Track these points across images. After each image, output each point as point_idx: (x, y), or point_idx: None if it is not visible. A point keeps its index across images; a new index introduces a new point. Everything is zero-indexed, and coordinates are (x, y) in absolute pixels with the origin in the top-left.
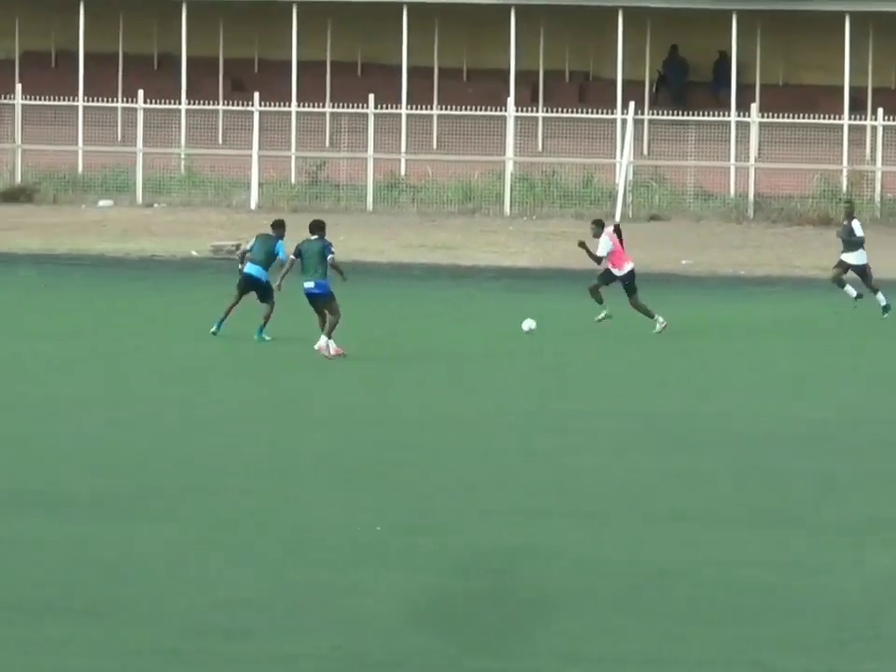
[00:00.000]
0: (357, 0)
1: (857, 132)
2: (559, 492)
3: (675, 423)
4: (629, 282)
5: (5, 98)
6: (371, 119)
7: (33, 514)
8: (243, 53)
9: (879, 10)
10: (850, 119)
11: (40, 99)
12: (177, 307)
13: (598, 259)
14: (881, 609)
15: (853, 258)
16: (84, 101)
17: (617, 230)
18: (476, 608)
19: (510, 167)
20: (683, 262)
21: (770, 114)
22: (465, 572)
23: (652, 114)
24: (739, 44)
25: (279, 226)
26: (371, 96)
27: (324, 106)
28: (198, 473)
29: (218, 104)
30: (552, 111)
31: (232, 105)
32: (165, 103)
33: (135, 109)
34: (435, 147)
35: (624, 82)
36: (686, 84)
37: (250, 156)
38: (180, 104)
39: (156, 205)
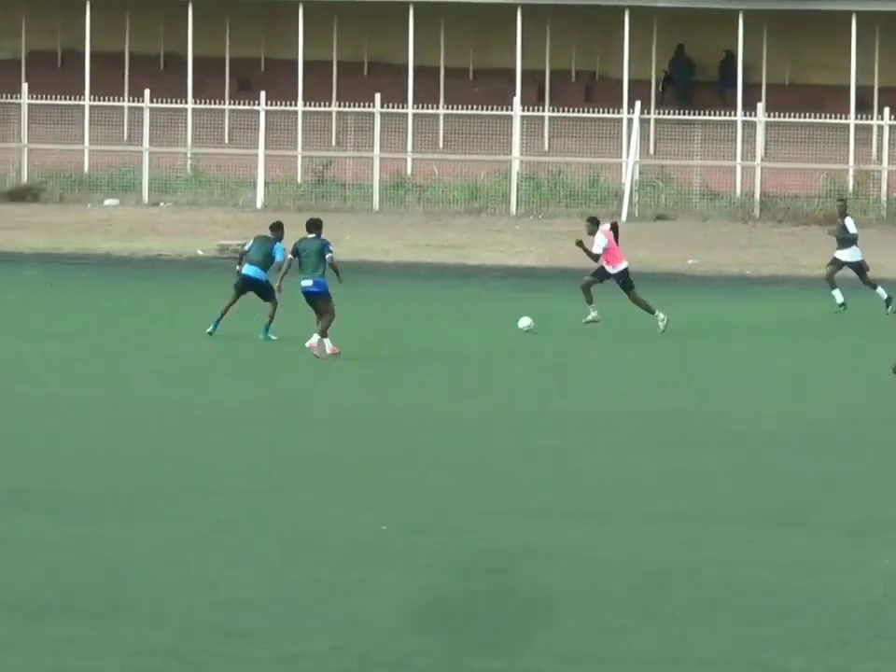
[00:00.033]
0: (363, 0)
1: (863, 131)
2: (559, 492)
3: (675, 423)
4: (623, 280)
5: (11, 97)
6: (378, 119)
7: (32, 514)
8: (249, 53)
9: (886, 10)
10: (857, 118)
11: (46, 98)
12: (183, 306)
13: (595, 257)
14: (881, 609)
15: (847, 254)
16: (90, 100)
17: (614, 227)
18: (476, 607)
19: (516, 166)
20: (689, 262)
21: (776, 113)
22: (465, 572)
23: (659, 113)
24: (746, 43)
25: (278, 228)
26: (378, 96)
27: (330, 106)
28: (198, 473)
29: (225, 103)
30: (558, 111)
31: (239, 104)
32: (171, 102)
33: (142, 108)
34: (441, 146)
35: (631, 82)
36: (692, 84)
37: (256, 155)
38: (186, 103)
39: (162, 205)
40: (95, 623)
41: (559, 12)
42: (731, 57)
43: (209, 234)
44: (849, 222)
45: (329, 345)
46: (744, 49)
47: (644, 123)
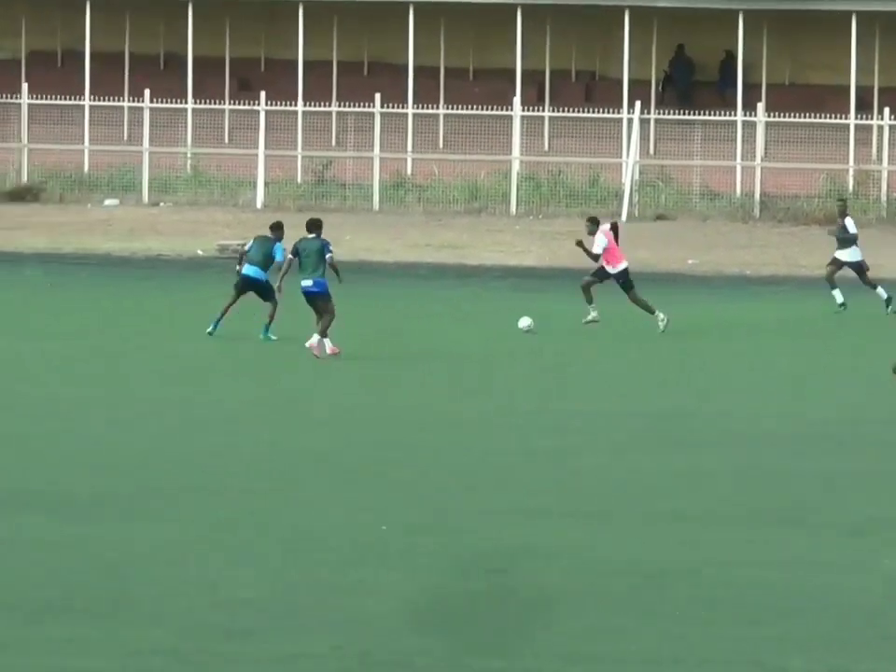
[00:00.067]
0: (363, 0)
1: (863, 131)
2: (559, 492)
3: (675, 423)
4: (623, 280)
5: (11, 97)
6: (378, 119)
7: (32, 514)
8: (249, 53)
9: (886, 10)
10: (857, 118)
11: (46, 98)
12: (183, 306)
13: (595, 257)
14: (882, 610)
15: (847, 254)
16: (90, 100)
17: (614, 227)
18: (476, 607)
19: (516, 166)
20: (689, 262)
21: (776, 113)
22: (465, 572)
23: (659, 113)
24: (746, 43)
25: (277, 228)
26: (378, 96)
27: (330, 106)
28: (198, 473)
29: (225, 103)
30: (558, 111)
31: (239, 104)
32: (171, 102)
33: (142, 109)
34: (441, 146)
35: (631, 82)
36: (692, 84)
37: (256, 155)
38: (186, 103)
39: (162, 205)
40: (95, 622)
41: (559, 12)
42: (731, 57)
43: (209, 234)
44: (849, 222)
45: (328, 345)
46: (744, 49)
47: (644, 123)
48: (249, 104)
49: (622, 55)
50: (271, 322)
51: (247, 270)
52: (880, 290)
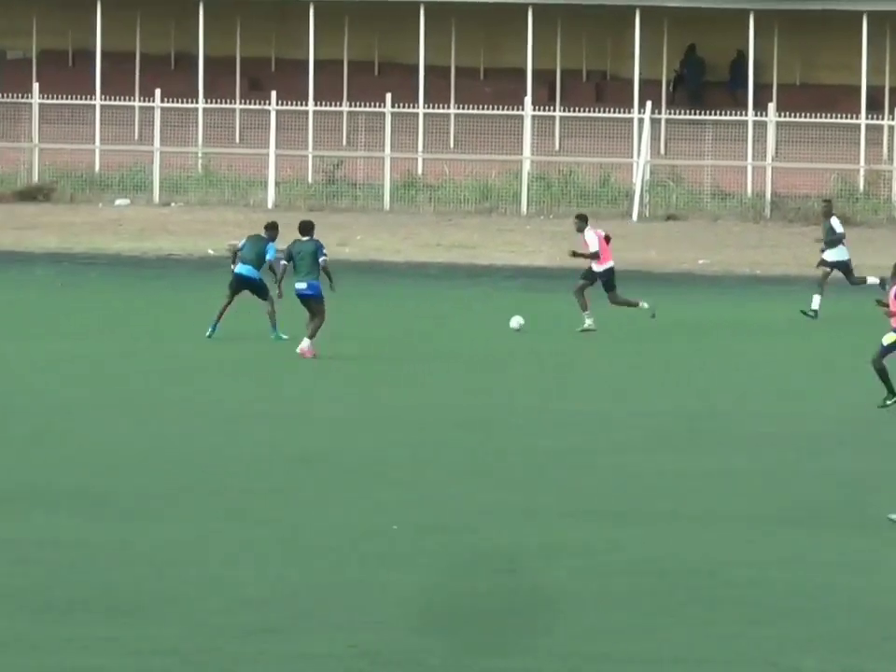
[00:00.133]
0: (374, 0)
1: (874, 131)
2: (559, 492)
3: (681, 423)
4: (607, 278)
5: (22, 97)
6: (389, 119)
7: (36, 514)
8: (260, 52)
9: None
10: (867, 118)
11: (57, 98)
12: (193, 306)
13: (594, 255)
14: (891, 609)
15: (833, 254)
16: (101, 100)
17: (607, 238)
18: (483, 607)
19: (527, 166)
20: (700, 262)
21: (787, 113)
22: (469, 572)
23: (670, 113)
24: (757, 43)
25: (272, 228)
26: (389, 95)
27: (341, 105)
28: (197, 473)
29: (236, 103)
30: (569, 110)
31: (250, 103)
32: (182, 102)
33: (153, 108)
34: (452, 146)
35: (642, 81)
36: (703, 83)
37: (267, 155)
38: (197, 103)
39: (173, 204)
40: (101, 622)
41: (570, 12)
42: (742, 57)
43: (220, 234)
44: (835, 222)
45: (306, 344)
46: (755, 48)
47: (655, 123)
48: (260, 103)
49: (632, 55)
50: (274, 321)
51: (240, 269)
52: (871, 279)
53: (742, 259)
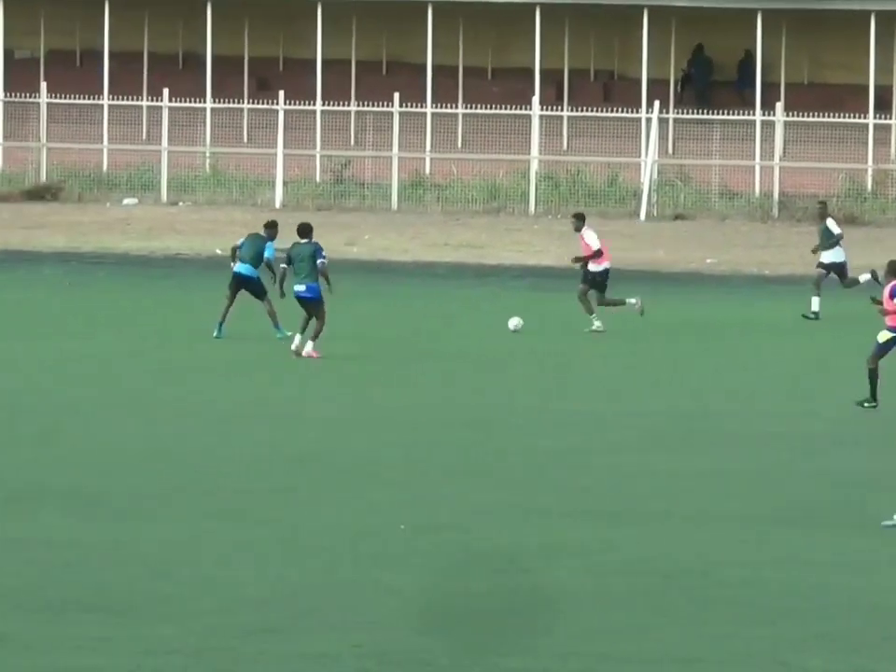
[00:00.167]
0: None
1: (882, 130)
2: (560, 492)
3: (689, 423)
4: (602, 279)
5: (30, 97)
6: (396, 118)
7: (40, 514)
8: (268, 52)
9: None
10: (875, 117)
11: (65, 97)
12: (201, 306)
13: (598, 252)
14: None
15: (830, 256)
16: (109, 99)
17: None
18: (486, 607)
19: (534, 166)
20: (708, 261)
21: (795, 113)
22: (470, 572)
23: (677, 113)
24: (764, 43)
25: (271, 226)
26: (396, 95)
27: (349, 105)
28: (192, 472)
29: (243, 102)
30: (576, 110)
31: (257, 103)
32: (190, 101)
33: (160, 108)
34: (460, 145)
35: (649, 81)
36: (711, 83)
37: (275, 154)
38: (205, 102)
39: (181, 204)
40: (108, 621)
41: (578, 12)
42: (749, 56)
43: (228, 234)
44: (831, 223)
45: (300, 342)
46: (762, 48)
47: (663, 123)
48: (268, 103)
49: (640, 55)
50: (274, 321)
51: (239, 268)
52: (863, 277)
53: (750, 258)
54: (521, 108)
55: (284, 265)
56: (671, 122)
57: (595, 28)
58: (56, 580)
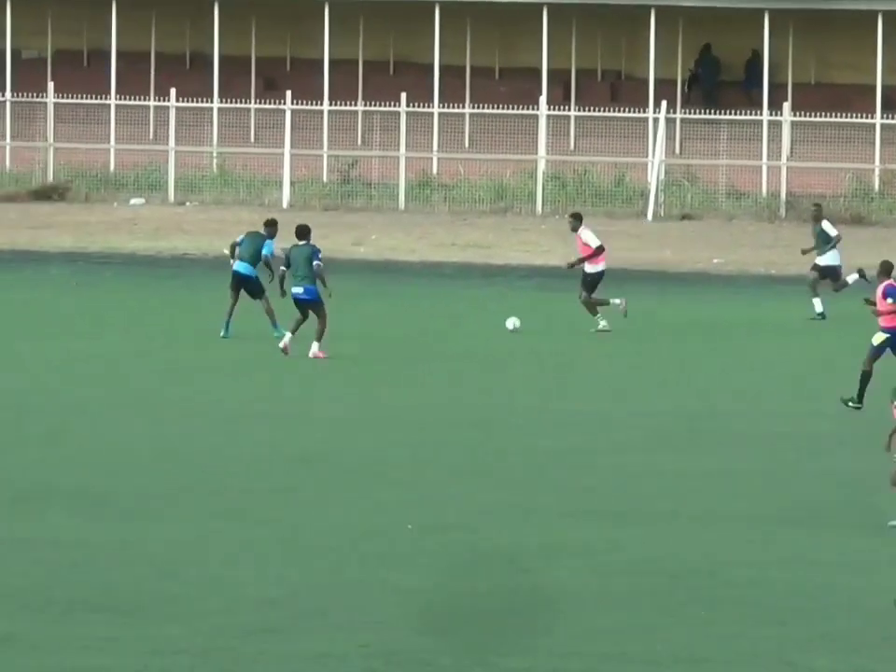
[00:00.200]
0: None
1: (889, 130)
2: (560, 492)
3: (697, 423)
4: (595, 280)
5: (37, 96)
6: (403, 118)
7: (45, 514)
8: (275, 52)
9: None
10: (882, 117)
11: (72, 97)
12: (208, 306)
13: (600, 248)
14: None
15: (826, 259)
16: (116, 99)
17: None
18: (490, 607)
19: (541, 166)
20: (715, 261)
21: (802, 113)
22: (476, 572)
23: (684, 113)
24: (771, 43)
25: (271, 225)
26: (403, 95)
27: (356, 105)
28: (198, 472)
29: (250, 102)
30: (584, 110)
31: (264, 103)
32: (197, 101)
33: (167, 108)
34: (467, 145)
35: (656, 81)
36: (718, 83)
37: (282, 154)
38: (212, 102)
39: (188, 204)
40: (101, 622)
41: (585, 11)
42: (757, 56)
43: (235, 234)
44: (827, 225)
45: (288, 341)
46: (770, 48)
47: (670, 123)
48: (275, 103)
49: (647, 54)
50: (274, 320)
51: (237, 266)
52: (850, 277)
53: (757, 258)
54: (528, 108)
55: (283, 267)
56: (678, 122)
57: (602, 28)
58: (63, 580)
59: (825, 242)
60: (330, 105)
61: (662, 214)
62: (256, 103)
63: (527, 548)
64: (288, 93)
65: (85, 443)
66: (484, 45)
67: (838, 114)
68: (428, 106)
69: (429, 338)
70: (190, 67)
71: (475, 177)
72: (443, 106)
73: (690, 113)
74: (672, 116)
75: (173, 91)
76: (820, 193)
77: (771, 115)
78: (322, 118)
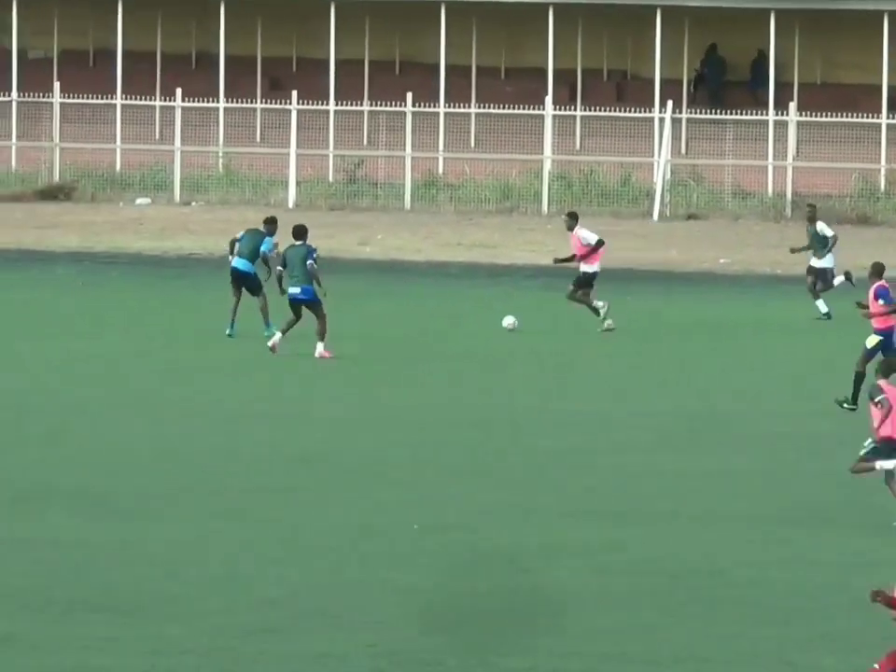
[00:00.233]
0: None
1: (895, 130)
2: (560, 492)
3: (701, 423)
4: (588, 279)
5: (43, 96)
6: (409, 118)
7: (46, 514)
8: (280, 52)
9: None
10: (888, 117)
11: (78, 97)
12: (213, 306)
13: (600, 243)
14: None
15: (822, 261)
16: (122, 99)
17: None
18: (492, 607)
19: (547, 166)
20: (721, 261)
21: (808, 113)
22: (476, 572)
23: (690, 113)
24: (777, 43)
25: (271, 222)
26: (409, 94)
27: (362, 105)
28: (198, 472)
29: (256, 102)
30: (590, 110)
31: (270, 103)
32: (203, 101)
33: (173, 108)
34: (473, 145)
35: (662, 81)
36: (724, 83)
37: (288, 154)
38: (218, 102)
39: (194, 204)
40: (101, 621)
41: (591, 12)
42: (763, 56)
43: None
44: (821, 226)
45: (277, 340)
46: (776, 48)
47: (676, 122)
48: (281, 103)
49: (653, 54)
50: (265, 317)
51: (236, 263)
52: (837, 280)
53: (763, 258)
54: (534, 108)
55: (280, 268)
56: (684, 122)
57: (608, 28)
58: (63, 580)
59: (820, 243)
60: (336, 104)
61: (668, 214)
62: (262, 103)
63: (527, 548)
64: (294, 93)
65: (85, 443)
66: (490, 45)
67: (844, 114)
68: (434, 106)
69: (430, 338)
70: (196, 67)
71: (481, 177)
72: (449, 106)
73: (696, 113)
74: (678, 116)
75: (178, 91)
76: (826, 193)
77: (777, 115)
78: (328, 118)
